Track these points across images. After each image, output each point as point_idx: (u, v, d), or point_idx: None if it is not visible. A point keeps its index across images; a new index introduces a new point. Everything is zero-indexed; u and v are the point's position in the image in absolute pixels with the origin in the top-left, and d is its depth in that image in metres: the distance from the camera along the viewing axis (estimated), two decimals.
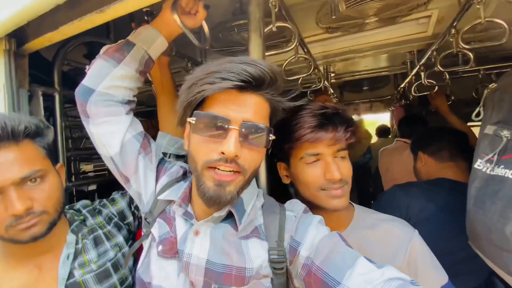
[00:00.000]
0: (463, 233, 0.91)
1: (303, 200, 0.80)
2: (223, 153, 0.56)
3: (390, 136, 3.73)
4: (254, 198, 0.70)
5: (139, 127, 0.78)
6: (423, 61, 1.61)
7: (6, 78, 0.80)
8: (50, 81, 1.06)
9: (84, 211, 0.91)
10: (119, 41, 0.75)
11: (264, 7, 0.86)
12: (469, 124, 2.67)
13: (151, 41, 0.75)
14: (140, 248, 0.74)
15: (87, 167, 2.95)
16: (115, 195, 0.99)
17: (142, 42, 0.74)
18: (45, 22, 0.77)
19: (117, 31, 1.13)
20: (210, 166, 0.59)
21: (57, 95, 1.04)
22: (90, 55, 1.35)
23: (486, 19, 0.94)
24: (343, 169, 0.79)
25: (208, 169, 0.59)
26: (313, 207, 0.79)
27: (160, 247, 0.67)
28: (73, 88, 0.74)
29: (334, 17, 1.14)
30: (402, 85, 2.22)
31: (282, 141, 0.82)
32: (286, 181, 0.91)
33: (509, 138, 0.73)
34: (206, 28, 0.82)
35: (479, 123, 0.93)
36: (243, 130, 0.58)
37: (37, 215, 0.69)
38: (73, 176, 2.17)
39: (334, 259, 0.55)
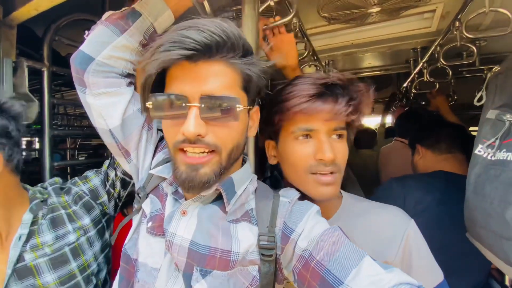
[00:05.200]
0: (459, 227, 0.88)
1: (289, 186, 0.73)
2: (186, 132, 0.51)
3: None
4: (247, 182, 0.66)
5: None
6: (426, 57, 1.58)
7: None
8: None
9: (49, 189, 0.84)
10: (123, 9, 0.70)
11: None
12: (471, 129, 2.64)
13: (158, 13, 0.69)
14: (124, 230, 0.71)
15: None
16: (88, 172, 0.92)
17: (149, 13, 0.68)
18: None
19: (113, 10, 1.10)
20: (180, 148, 0.55)
21: (46, 71, 1.01)
22: None
23: (491, 8, 0.91)
24: (338, 151, 0.69)
25: (178, 152, 0.56)
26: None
27: (149, 224, 0.64)
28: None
29: (337, 3, 1.11)
30: (404, 84, 2.19)
31: (273, 114, 0.74)
32: (273, 161, 0.82)
33: None
34: (207, 6, 0.77)
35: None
36: (203, 105, 0.52)
37: None
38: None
39: (337, 256, 0.51)
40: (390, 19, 1.39)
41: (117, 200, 0.94)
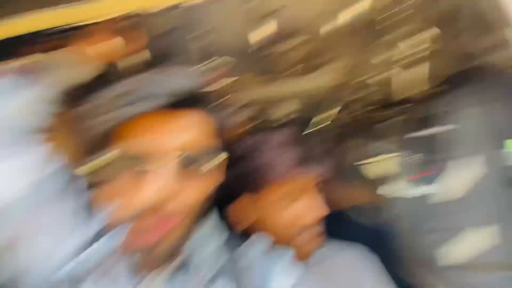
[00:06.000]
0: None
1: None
2: (145, 202, 0.42)
3: None
4: (213, 235, 0.58)
5: None
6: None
7: None
8: None
9: None
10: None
11: None
12: None
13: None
14: None
15: None
16: None
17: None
18: None
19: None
20: (134, 220, 0.44)
21: None
22: None
23: None
24: (323, 202, 0.69)
25: (131, 224, 0.45)
26: None
27: None
28: None
29: None
30: None
31: (244, 181, 0.68)
32: (242, 227, 0.72)
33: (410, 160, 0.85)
34: None
35: None
36: (179, 160, 0.44)
37: None
38: None
39: None
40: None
41: None
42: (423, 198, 0.83)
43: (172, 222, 0.45)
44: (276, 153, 0.66)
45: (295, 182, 0.66)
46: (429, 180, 0.83)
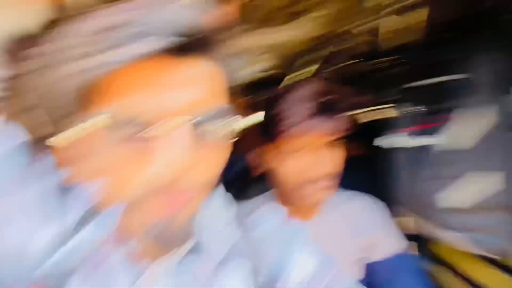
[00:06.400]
0: None
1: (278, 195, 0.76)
2: (155, 178, 0.31)
3: None
4: (222, 210, 0.49)
5: None
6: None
7: None
8: None
9: None
10: None
11: None
12: None
13: None
14: None
15: None
16: None
17: None
18: None
19: None
20: (136, 200, 0.33)
21: None
22: None
23: None
24: (331, 162, 0.69)
25: (133, 204, 0.33)
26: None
27: None
28: None
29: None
30: None
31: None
32: (258, 172, 0.79)
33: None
34: None
35: None
36: (191, 123, 0.31)
37: None
38: None
39: None
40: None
41: None
42: (423, 148, 0.85)
43: (184, 200, 0.34)
44: (291, 105, 0.67)
45: (308, 136, 0.66)
46: (431, 132, 0.84)
